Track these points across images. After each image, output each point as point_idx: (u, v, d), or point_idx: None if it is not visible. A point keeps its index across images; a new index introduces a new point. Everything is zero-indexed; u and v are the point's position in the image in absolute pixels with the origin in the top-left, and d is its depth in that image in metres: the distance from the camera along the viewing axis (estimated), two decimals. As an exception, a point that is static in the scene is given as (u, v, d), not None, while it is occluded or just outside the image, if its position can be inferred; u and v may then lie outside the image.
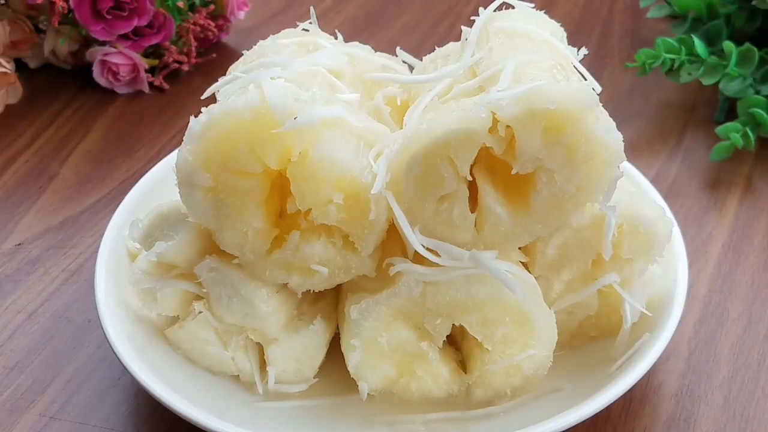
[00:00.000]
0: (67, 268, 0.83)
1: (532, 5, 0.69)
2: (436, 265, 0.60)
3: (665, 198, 0.78)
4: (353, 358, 0.63)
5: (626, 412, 0.69)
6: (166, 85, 1.07)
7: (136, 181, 0.79)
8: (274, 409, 0.66)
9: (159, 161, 0.81)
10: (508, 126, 0.55)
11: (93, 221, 0.89)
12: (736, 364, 0.73)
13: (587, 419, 0.61)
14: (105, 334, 0.65)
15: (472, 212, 0.59)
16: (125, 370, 0.64)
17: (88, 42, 1.06)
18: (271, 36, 0.71)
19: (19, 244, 0.86)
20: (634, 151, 0.95)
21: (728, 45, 0.95)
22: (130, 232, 0.68)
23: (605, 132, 0.56)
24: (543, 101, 0.54)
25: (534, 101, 0.54)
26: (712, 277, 0.81)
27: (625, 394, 0.62)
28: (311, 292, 0.64)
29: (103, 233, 0.73)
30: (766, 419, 0.68)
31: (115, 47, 1.03)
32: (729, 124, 0.92)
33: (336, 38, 0.73)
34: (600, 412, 0.61)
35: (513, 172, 0.57)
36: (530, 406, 0.64)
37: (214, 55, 1.11)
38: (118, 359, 0.64)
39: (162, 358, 0.67)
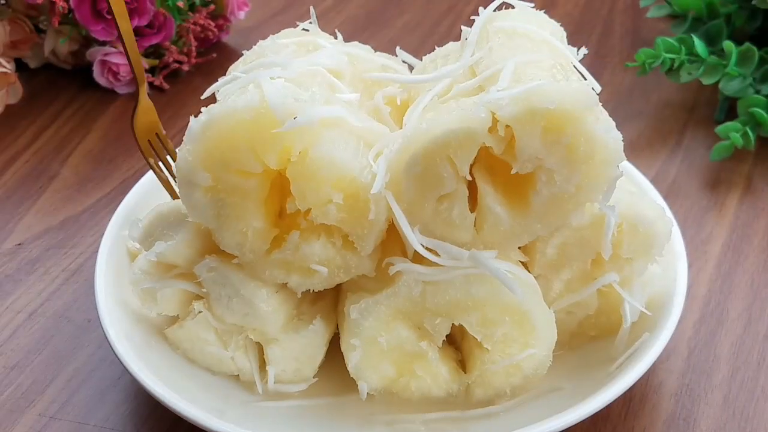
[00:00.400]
0: (67, 268, 0.83)
1: (532, 5, 0.69)
2: (436, 264, 0.60)
3: (665, 198, 0.78)
4: (353, 357, 0.63)
5: (626, 411, 0.69)
6: (166, 85, 1.07)
7: (137, 181, 0.79)
8: (273, 409, 0.66)
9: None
10: (507, 126, 0.55)
11: (93, 221, 0.89)
12: (736, 364, 0.73)
13: (587, 418, 0.61)
14: (105, 333, 0.65)
15: (471, 212, 0.59)
16: (125, 370, 0.65)
17: (88, 42, 1.06)
18: (271, 36, 0.71)
19: (20, 244, 0.86)
20: (634, 151, 0.95)
21: (728, 44, 0.95)
22: (130, 232, 0.68)
23: (605, 132, 0.56)
24: (543, 101, 0.54)
25: (534, 101, 0.54)
26: (712, 276, 0.81)
27: (625, 393, 0.62)
28: (311, 291, 0.64)
29: (103, 233, 0.73)
30: (765, 418, 0.68)
31: (115, 47, 1.03)
32: (729, 123, 0.92)
33: (336, 38, 0.73)
34: (600, 411, 0.61)
35: (513, 171, 0.57)
36: (530, 406, 0.64)
37: (214, 55, 1.11)
38: (118, 359, 0.64)
39: (161, 357, 0.67)
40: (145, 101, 0.79)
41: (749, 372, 0.72)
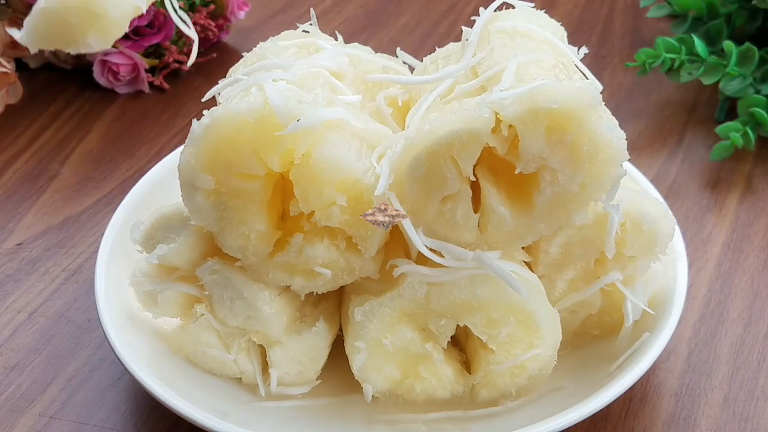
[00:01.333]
0: (67, 268, 0.83)
1: (533, 5, 0.69)
2: (440, 266, 0.60)
3: (665, 197, 0.78)
4: (358, 360, 0.63)
5: (626, 411, 0.69)
6: (166, 85, 1.07)
7: (136, 181, 0.79)
8: (274, 409, 0.66)
9: (159, 161, 0.81)
10: (511, 125, 0.55)
11: (93, 221, 0.89)
12: (736, 364, 0.73)
13: (587, 418, 0.61)
14: (105, 334, 0.65)
15: (475, 212, 0.59)
16: (125, 370, 0.64)
17: (88, 42, 1.06)
18: (271, 38, 0.71)
19: (20, 244, 0.86)
20: (634, 150, 0.95)
21: (728, 44, 0.95)
22: (132, 234, 0.67)
23: (608, 130, 0.56)
24: (546, 100, 0.54)
25: (537, 100, 0.54)
26: (712, 276, 0.81)
27: (625, 393, 0.62)
28: (313, 294, 0.64)
29: (103, 233, 0.73)
30: (765, 418, 0.68)
31: (115, 47, 1.03)
32: (729, 123, 0.92)
33: (336, 39, 0.73)
34: (600, 411, 0.61)
35: (516, 171, 0.57)
36: (531, 405, 0.64)
37: (215, 55, 1.11)
38: (118, 359, 0.64)
39: (162, 357, 0.67)
40: None
41: (749, 372, 0.72)
